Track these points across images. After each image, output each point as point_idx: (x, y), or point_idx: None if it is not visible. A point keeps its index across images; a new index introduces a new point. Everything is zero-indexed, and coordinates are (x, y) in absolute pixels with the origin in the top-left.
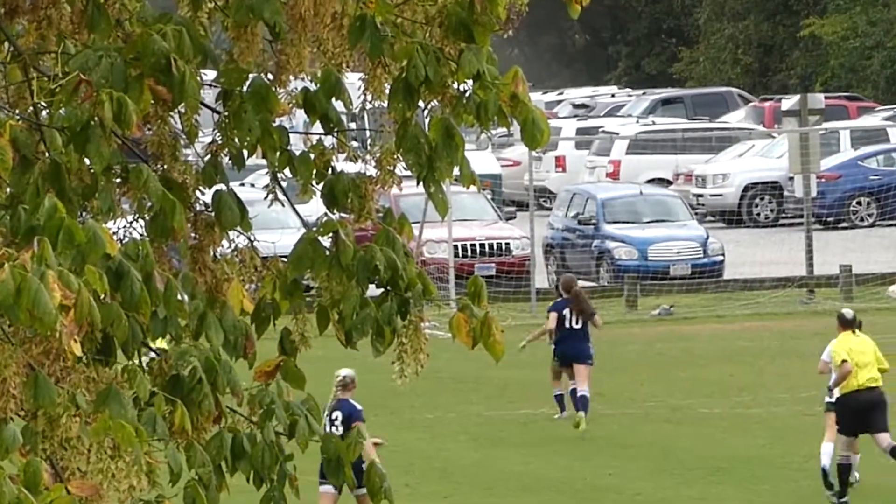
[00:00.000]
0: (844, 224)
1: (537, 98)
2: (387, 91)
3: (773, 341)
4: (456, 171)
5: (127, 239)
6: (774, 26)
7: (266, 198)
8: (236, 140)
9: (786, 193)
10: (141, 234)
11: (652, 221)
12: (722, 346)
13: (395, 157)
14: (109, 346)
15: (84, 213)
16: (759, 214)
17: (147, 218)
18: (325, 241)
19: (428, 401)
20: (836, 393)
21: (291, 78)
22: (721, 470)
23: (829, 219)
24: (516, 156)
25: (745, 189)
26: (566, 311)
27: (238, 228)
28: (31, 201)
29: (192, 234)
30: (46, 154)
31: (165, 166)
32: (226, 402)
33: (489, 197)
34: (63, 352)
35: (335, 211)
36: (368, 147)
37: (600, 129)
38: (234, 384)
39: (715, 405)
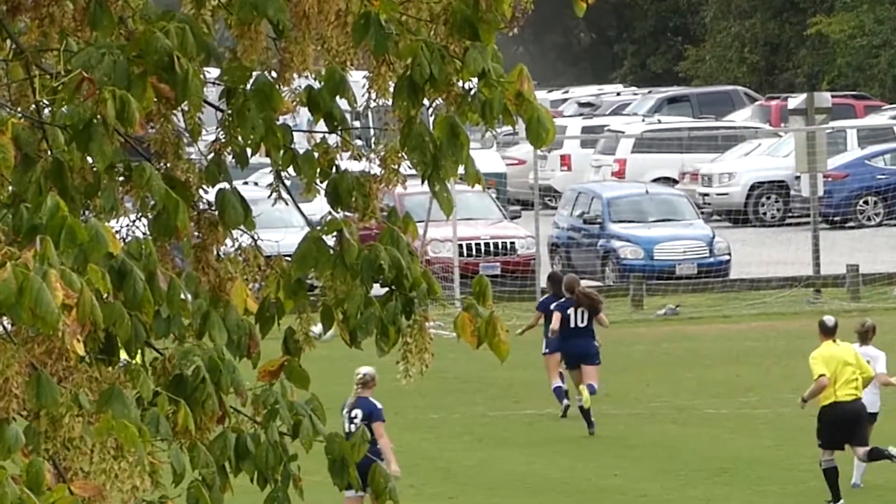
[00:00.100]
0: (851, 223)
1: (542, 96)
2: (391, 89)
3: (779, 341)
4: (461, 169)
5: (130, 238)
6: (781, 24)
7: (270, 196)
8: (240, 138)
9: (792, 192)
10: (144, 233)
11: (658, 221)
12: (728, 346)
13: (400, 155)
14: (112, 346)
15: (87, 212)
16: (765, 214)
17: (150, 217)
18: (330, 240)
19: (432, 401)
20: (809, 404)
21: (295, 76)
22: (727, 471)
23: (835, 218)
24: (521, 154)
25: (752, 188)
26: (570, 311)
27: (242, 227)
28: (33, 200)
29: (196, 233)
30: (49, 152)
31: (168, 165)
32: (229, 402)
33: (494, 196)
34: (66, 351)
35: (339, 210)
36: (373, 145)
37: (606, 128)
38: (237, 384)
39: (721, 406)
